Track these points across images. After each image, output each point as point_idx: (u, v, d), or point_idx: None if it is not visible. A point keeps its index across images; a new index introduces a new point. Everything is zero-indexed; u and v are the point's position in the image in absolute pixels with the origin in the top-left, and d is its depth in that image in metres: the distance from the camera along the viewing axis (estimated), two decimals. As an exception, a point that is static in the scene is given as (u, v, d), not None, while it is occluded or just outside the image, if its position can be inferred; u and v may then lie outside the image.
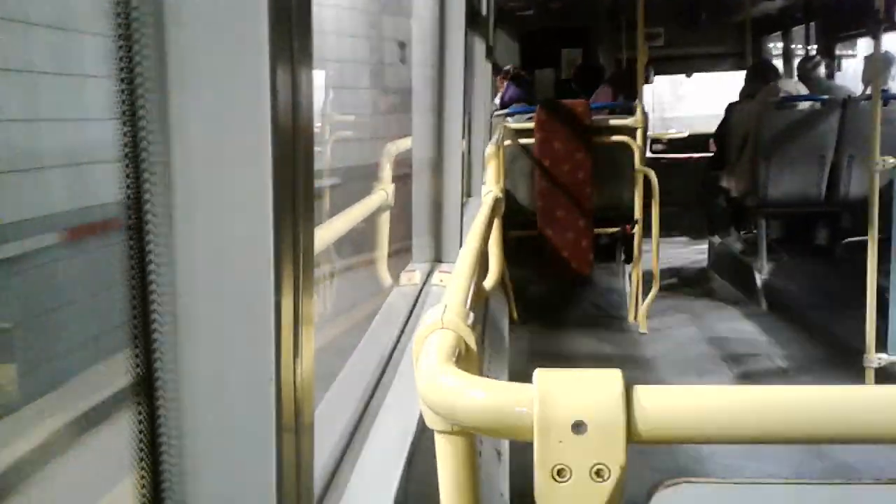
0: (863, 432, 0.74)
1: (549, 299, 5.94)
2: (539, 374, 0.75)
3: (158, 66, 0.82)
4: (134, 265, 0.82)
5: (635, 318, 5.77)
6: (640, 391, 0.74)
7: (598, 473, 0.73)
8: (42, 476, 1.30)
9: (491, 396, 0.77)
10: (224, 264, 0.85)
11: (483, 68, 5.59)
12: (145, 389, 0.84)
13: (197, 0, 0.82)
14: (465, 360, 0.95)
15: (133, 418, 0.84)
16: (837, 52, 7.62)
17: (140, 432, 0.84)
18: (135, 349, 0.82)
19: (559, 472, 0.74)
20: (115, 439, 0.88)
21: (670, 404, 0.74)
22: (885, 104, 5.06)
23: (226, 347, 0.86)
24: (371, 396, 1.92)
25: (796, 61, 7.42)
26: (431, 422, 0.86)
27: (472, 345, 0.97)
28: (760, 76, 6.70)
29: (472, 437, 0.90)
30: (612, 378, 0.73)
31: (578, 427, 0.72)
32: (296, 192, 0.89)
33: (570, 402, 0.73)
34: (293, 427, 0.91)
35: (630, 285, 6.05)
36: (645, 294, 5.76)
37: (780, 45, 8.88)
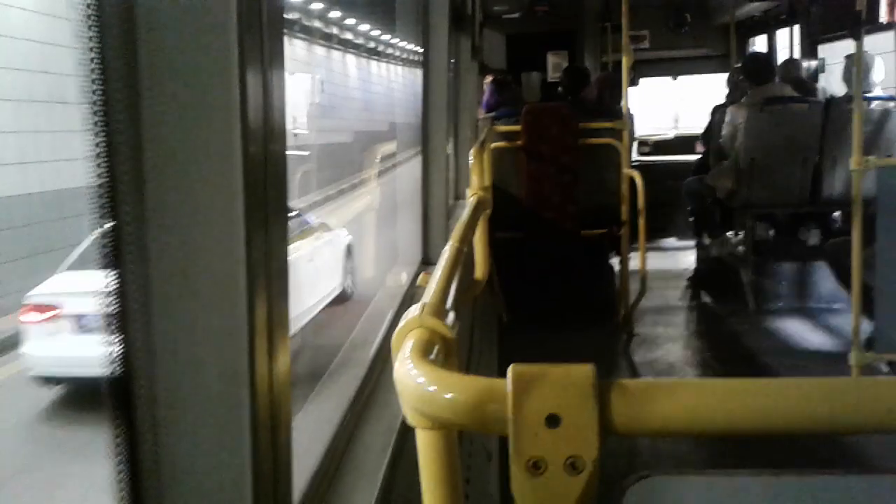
0: (838, 422, 0.75)
1: (539, 299, 5.94)
2: (513, 368, 0.76)
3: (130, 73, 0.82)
4: (109, 263, 0.82)
5: (624, 318, 5.78)
6: (613, 385, 0.74)
7: (573, 466, 0.74)
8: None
9: (465, 392, 0.78)
10: (196, 269, 0.86)
11: (469, 68, 5.58)
12: (122, 389, 0.84)
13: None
14: (444, 357, 0.96)
15: (110, 416, 0.84)
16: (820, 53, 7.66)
17: (118, 427, 0.84)
18: (110, 348, 0.83)
19: (534, 465, 0.75)
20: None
21: (642, 398, 0.75)
22: (867, 105, 5.10)
23: (201, 348, 0.87)
24: (357, 394, 1.92)
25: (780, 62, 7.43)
26: (411, 419, 0.86)
27: (451, 343, 0.98)
28: (753, 74, 6.26)
29: (451, 433, 0.91)
30: (584, 372, 0.74)
31: (552, 420, 0.73)
32: (267, 196, 0.90)
33: (544, 396, 0.74)
34: (269, 425, 0.91)
35: (619, 286, 6.06)
36: (633, 295, 5.78)
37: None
